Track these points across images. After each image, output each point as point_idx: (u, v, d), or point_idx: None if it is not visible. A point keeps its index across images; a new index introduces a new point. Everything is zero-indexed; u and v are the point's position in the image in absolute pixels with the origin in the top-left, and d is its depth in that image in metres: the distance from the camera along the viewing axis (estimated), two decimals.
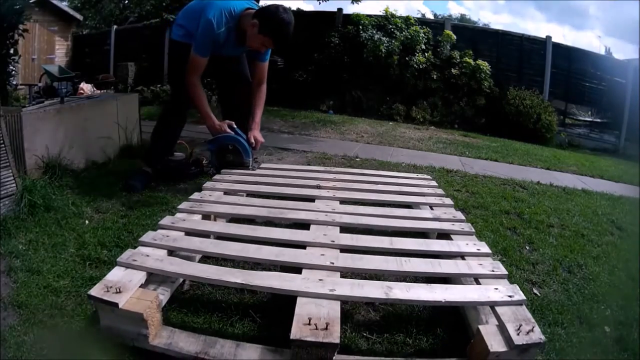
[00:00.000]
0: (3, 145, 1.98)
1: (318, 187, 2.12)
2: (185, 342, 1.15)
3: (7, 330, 1.23)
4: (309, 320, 1.06)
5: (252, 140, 2.38)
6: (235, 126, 2.38)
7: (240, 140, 2.35)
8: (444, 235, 1.73)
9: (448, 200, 2.07)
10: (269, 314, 1.38)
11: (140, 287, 1.21)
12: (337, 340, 1.02)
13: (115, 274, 1.23)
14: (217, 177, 2.21)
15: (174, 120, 2.62)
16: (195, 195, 1.90)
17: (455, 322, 1.39)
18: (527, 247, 2.10)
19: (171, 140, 2.68)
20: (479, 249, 1.52)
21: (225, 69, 2.54)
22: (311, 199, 1.97)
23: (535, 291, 1.68)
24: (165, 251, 1.40)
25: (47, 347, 1.18)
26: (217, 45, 2.25)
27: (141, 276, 1.24)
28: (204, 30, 2.19)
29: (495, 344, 1.08)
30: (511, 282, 1.34)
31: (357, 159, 3.67)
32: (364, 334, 1.32)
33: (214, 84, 2.69)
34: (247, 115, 2.48)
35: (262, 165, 2.57)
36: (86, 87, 7.81)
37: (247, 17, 2.20)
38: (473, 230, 1.72)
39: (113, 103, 3.05)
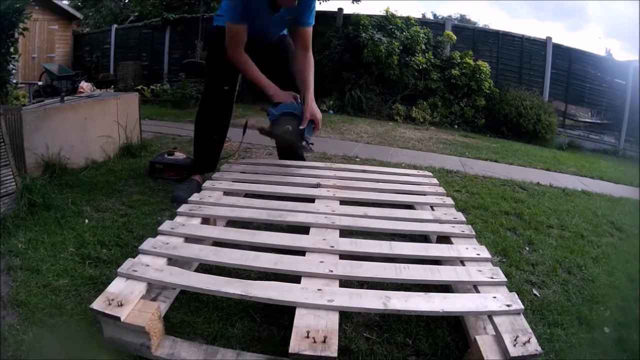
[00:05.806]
0: (3, 143, 1.98)
1: (318, 185, 2.11)
2: (187, 352, 1.17)
3: (7, 329, 1.23)
4: (307, 334, 1.07)
5: (307, 115, 2.11)
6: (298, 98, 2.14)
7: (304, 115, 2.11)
8: (444, 238, 1.72)
9: (449, 200, 2.07)
10: (269, 314, 1.38)
11: (141, 298, 1.22)
12: (335, 354, 1.03)
13: (117, 286, 1.24)
14: (216, 175, 2.20)
15: (213, 116, 2.37)
16: (195, 197, 1.90)
17: (455, 322, 1.39)
18: (527, 248, 2.10)
19: (217, 141, 2.43)
20: (478, 254, 1.52)
21: (265, 45, 2.31)
22: (311, 199, 1.97)
23: (535, 292, 1.68)
24: (165, 259, 1.40)
25: (47, 346, 1.18)
26: (250, 12, 2.06)
27: (142, 287, 1.25)
28: None
29: (491, 354, 1.08)
30: (511, 283, 1.35)
31: (357, 159, 3.67)
32: (364, 334, 1.32)
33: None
34: (295, 89, 2.23)
35: (262, 161, 2.55)
36: (86, 86, 7.81)
37: None
38: (473, 232, 1.71)
39: (113, 102, 3.04)
